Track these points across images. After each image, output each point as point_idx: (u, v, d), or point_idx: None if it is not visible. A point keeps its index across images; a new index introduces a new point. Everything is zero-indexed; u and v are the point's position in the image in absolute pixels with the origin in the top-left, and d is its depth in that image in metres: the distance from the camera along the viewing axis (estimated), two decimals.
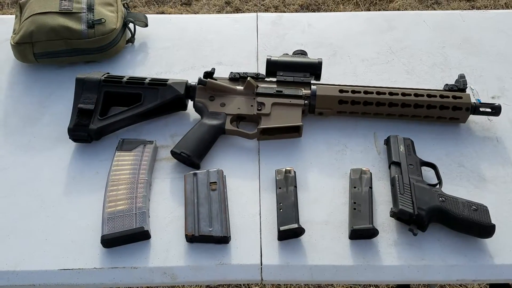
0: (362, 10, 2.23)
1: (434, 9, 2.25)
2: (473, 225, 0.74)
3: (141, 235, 0.76)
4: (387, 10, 2.22)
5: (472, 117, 0.94)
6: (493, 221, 0.74)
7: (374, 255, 0.75)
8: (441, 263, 0.74)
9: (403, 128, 0.93)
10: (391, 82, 1.03)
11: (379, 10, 2.23)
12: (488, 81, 1.04)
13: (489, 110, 0.91)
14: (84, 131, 0.90)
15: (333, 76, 1.03)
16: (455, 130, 0.93)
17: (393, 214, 0.77)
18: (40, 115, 0.98)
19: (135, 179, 0.83)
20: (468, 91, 0.94)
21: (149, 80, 0.95)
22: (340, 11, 2.21)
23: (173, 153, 0.87)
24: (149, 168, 0.86)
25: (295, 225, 0.75)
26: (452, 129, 0.94)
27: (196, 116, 0.95)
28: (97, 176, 0.87)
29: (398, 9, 2.23)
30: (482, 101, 0.98)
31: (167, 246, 0.76)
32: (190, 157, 0.85)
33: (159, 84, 0.94)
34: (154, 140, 0.90)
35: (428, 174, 0.85)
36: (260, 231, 0.78)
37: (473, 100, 0.95)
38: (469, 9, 2.23)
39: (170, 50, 1.12)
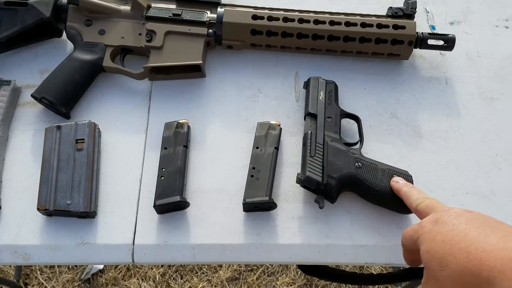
0: None
1: None
2: (391, 198, 0.61)
3: None
4: None
5: (419, 52, 0.75)
6: None
7: (270, 232, 0.62)
8: (348, 242, 0.62)
9: (332, 66, 0.75)
10: (327, 2, 0.82)
11: None
12: (450, 0, 0.84)
13: (440, 43, 0.72)
14: None
15: None
16: (395, 69, 0.75)
17: (299, 181, 0.63)
18: None
19: None
20: (421, 14, 0.74)
21: None
22: None
23: (34, 97, 0.68)
24: (4, 118, 0.68)
25: (176, 198, 0.61)
26: (391, 67, 0.75)
27: None
28: None
29: None
30: (436, 29, 0.79)
31: (21, 220, 0.62)
32: (54, 104, 0.67)
33: (17, 3, 0.72)
34: (13, 80, 0.70)
35: (352, 127, 0.70)
36: (138, 202, 0.64)
37: (427, 26, 0.76)
38: None
39: None
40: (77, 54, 0.70)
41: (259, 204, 0.62)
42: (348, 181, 0.62)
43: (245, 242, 0.62)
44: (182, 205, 0.62)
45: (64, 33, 0.75)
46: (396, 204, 0.61)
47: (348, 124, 0.69)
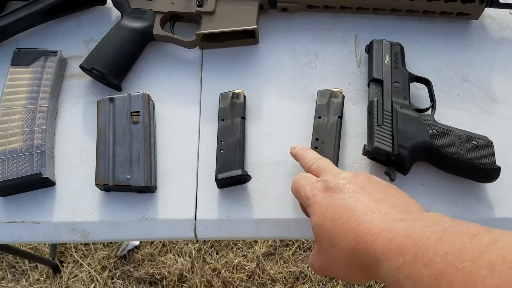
0: None
1: None
2: (471, 166, 0.56)
3: (41, 183, 0.59)
4: None
5: (488, 11, 0.69)
6: (498, 162, 0.56)
7: None
8: None
9: (395, 27, 0.70)
10: None
11: None
12: None
13: None
14: None
15: None
16: (464, 30, 0.70)
17: (366, 153, 0.59)
18: None
19: (34, 106, 0.63)
20: None
21: None
22: None
23: (83, 68, 0.65)
24: (53, 90, 0.65)
25: (238, 172, 0.57)
26: (459, 28, 0.70)
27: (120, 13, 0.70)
28: None
29: None
30: None
31: (77, 196, 0.60)
32: (105, 75, 0.63)
33: None
34: (59, 50, 0.67)
35: (420, 93, 0.65)
36: (197, 176, 0.61)
37: None
38: None
39: None
40: (126, 22, 0.66)
41: None
42: (422, 150, 0.57)
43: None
44: (244, 178, 0.59)
45: (108, 0, 0.71)
46: (477, 172, 0.57)
47: (416, 90, 0.64)
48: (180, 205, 0.59)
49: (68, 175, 0.61)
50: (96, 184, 0.58)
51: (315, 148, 0.59)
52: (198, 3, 0.66)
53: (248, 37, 0.68)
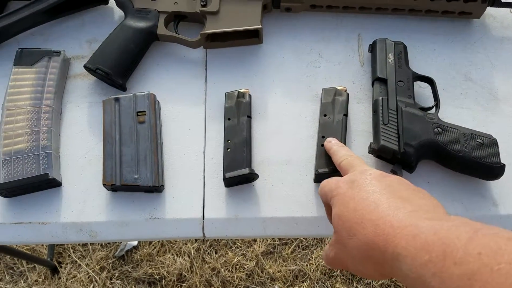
0: None
1: None
2: (476, 164, 0.57)
3: (47, 183, 0.59)
4: None
5: (489, 10, 0.70)
6: (502, 159, 0.57)
7: None
8: None
9: (398, 27, 0.70)
10: None
11: None
12: None
13: None
14: None
15: None
16: (465, 29, 0.70)
17: (372, 151, 0.59)
18: None
19: (39, 107, 0.63)
20: None
21: None
22: None
23: (87, 68, 0.65)
24: (57, 90, 0.65)
25: (246, 170, 0.58)
26: (461, 27, 0.71)
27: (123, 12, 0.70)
28: None
29: None
30: None
31: (84, 196, 0.60)
32: (110, 75, 0.63)
33: None
34: (62, 50, 0.66)
35: (424, 92, 0.65)
36: (204, 175, 0.61)
37: None
38: None
39: None
40: (129, 22, 0.66)
41: (332, 175, 0.58)
42: (428, 148, 0.58)
43: (318, 215, 0.59)
44: (251, 177, 0.59)
45: (110, 0, 0.71)
46: (482, 170, 0.57)
47: (419, 89, 0.65)
48: (187, 204, 0.59)
49: (74, 176, 0.61)
50: (104, 184, 0.58)
51: (321, 146, 0.60)
52: (202, 3, 0.66)
53: (252, 37, 0.68)
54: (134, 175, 0.58)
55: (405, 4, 0.67)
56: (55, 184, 0.60)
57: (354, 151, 0.62)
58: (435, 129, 0.59)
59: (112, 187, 0.58)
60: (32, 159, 0.59)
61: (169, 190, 0.60)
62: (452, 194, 0.59)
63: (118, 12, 0.72)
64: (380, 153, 0.58)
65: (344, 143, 0.60)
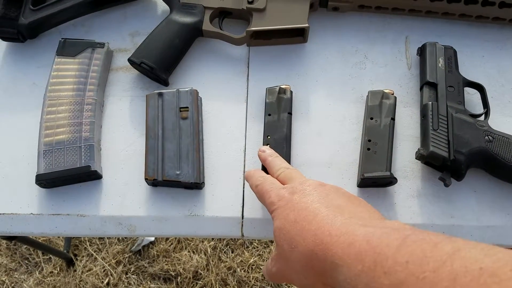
0: None
1: None
2: None
3: (88, 176, 0.59)
4: None
5: None
6: None
7: (388, 210, 0.58)
8: (475, 223, 0.57)
9: (446, 31, 0.69)
10: None
11: None
12: None
13: None
14: (12, 26, 0.66)
15: None
16: None
17: (421, 157, 0.58)
18: None
19: (82, 98, 0.62)
20: None
21: None
22: None
23: (131, 62, 0.64)
24: (100, 82, 0.64)
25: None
26: (510, 35, 0.69)
27: (166, 6, 0.69)
28: (34, 89, 0.66)
29: None
30: None
31: (124, 190, 0.59)
32: (154, 70, 0.63)
33: None
34: (106, 42, 0.66)
35: (471, 98, 0.64)
36: (244, 174, 0.60)
37: None
38: None
39: None
40: (175, 16, 0.65)
41: (377, 179, 0.57)
42: (478, 156, 0.56)
43: None
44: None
45: None
46: None
47: (467, 95, 0.63)
48: (227, 203, 0.58)
49: (115, 169, 0.60)
50: (146, 179, 0.57)
51: (367, 149, 0.59)
52: (249, 0, 0.65)
53: (296, 35, 0.67)
54: (176, 171, 0.57)
55: (457, 8, 0.65)
56: (96, 176, 0.59)
57: (400, 156, 0.61)
58: (486, 137, 0.57)
59: (154, 182, 0.57)
60: (74, 151, 0.59)
61: (209, 188, 0.59)
62: (499, 204, 0.57)
63: (161, 6, 0.71)
64: (429, 159, 0.57)
65: (392, 147, 0.59)
